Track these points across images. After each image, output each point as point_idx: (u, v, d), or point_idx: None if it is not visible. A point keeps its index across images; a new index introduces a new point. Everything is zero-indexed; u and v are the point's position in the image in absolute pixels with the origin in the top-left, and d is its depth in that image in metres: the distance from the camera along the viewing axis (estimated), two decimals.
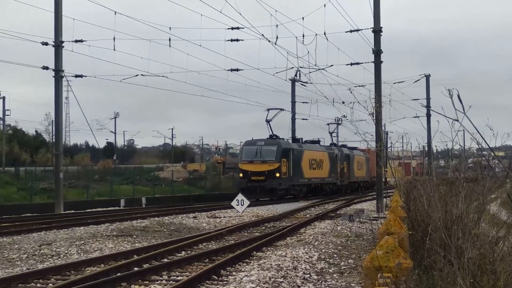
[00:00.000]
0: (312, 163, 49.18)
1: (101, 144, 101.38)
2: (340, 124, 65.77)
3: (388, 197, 31.52)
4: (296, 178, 46.02)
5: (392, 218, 5.51)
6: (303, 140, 53.45)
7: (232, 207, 31.86)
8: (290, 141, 51.38)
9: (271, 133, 47.03)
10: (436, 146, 55.78)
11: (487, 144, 8.20)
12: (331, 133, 62.89)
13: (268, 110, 47.54)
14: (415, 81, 57.49)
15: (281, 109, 48.94)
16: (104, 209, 37.47)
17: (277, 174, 43.31)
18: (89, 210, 36.65)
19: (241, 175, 44.50)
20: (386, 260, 3.32)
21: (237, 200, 31.07)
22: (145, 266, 14.75)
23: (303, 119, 57.65)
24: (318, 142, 57.14)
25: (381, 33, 32.85)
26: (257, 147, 44.44)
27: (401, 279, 3.25)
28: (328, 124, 62.26)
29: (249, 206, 31.78)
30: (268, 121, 47.11)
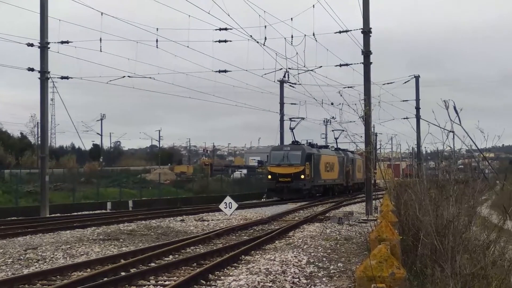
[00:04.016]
0: (326, 166, 54.28)
1: (87, 146, 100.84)
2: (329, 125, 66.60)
3: (378, 199, 31.45)
4: (316, 180, 51.12)
5: (384, 224, 5.40)
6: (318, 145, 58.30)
7: (220, 210, 31.68)
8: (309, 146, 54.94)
9: (293, 139, 51.88)
10: (425, 147, 55.67)
11: (477, 148, 8.11)
12: (336, 139, 64.76)
13: (290, 119, 53.42)
14: (405, 82, 57.56)
15: (302, 118, 53.78)
16: (91, 212, 37.24)
17: (302, 176, 48.30)
18: (75, 213, 36.40)
19: (269, 177, 49.45)
20: (379, 270, 3.23)
21: (225, 202, 30.92)
22: (132, 270, 14.60)
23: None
24: (327, 146, 62.77)
25: (370, 34, 32.78)
26: (284, 152, 49.76)
27: None
28: (333, 130, 65.01)
29: (237, 208, 31.65)
30: (291, 129, 52.30)
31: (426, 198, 9.36)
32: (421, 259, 7.92)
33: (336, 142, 65.49)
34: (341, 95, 40.81)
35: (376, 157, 33.68)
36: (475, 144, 6.82)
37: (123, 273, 14.09)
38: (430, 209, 8.54)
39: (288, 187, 48.00)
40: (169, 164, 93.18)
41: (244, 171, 79.56)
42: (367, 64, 32.89)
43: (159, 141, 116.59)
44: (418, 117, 62.24)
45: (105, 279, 13.26)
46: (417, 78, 62.07)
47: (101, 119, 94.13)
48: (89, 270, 14.88)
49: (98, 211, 37.77)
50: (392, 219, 7.02)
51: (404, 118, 61.28)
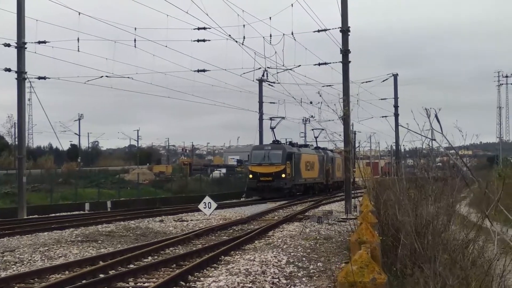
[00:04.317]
0: (307, 165, 54.65)
1: (65, 146, 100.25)
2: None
3: (357, 197, 31.54)
4: (297, 179, 51.46)
5: (364, 226, 5.39)
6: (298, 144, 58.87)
7: (199, 210, 31.58)
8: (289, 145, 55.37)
9: (274, 139, 52.54)
10: (404, 145, 56.14)
11: (455, 151, 8.14)
12: (316, 138, 65.13)
13: (271, 118, 53.70)
14: (383, 81, 57.94)
15: (282, 117, 54.30)
16: (69, 213, 36.94)
17: (283, 175, 48.75)
18: (53, 214, 36.06)
19: (250, 176, 49.88)
20: (360, 276, 3.21)
21: (204, 202, 30.81)
22: (111, 272, 14.49)
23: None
24: (307, 145, 63.21)
25: (349, 33, 32.88)
26: (265, 151, 50.20)
27: None
28: (312, 129, 65.58)
29: (216, 208, 31.58)
30: (272, 128, 52.80)
31: (405, 198, 9.38)
32: (401, 259, 7.93)
33: (316, 141, 66.03)
34: (320, 96, 40.95)
35: (355, 156, 33.85)
36: (451, 145, 6.83)
37: (101, 275, 13.99)
38: (409, 209, 8.55)
39: (269, 186, 48.45)
40: (147, 164, 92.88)
41: (223, 170, 79.55)
42: (345, 63, 32.97)
43: (137, 141, 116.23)
44: (396, 115, 62.68)
45: (84, 281, 13.14)
46: (395, 76, 62.48)
47: (79, 119, 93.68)
48: (67, 272, 14.75)
49: (76, 212, 37.52)
50: (372, 220, 7.03)
51: (383, 117, 61.72)
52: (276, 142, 52.38)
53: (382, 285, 3.16)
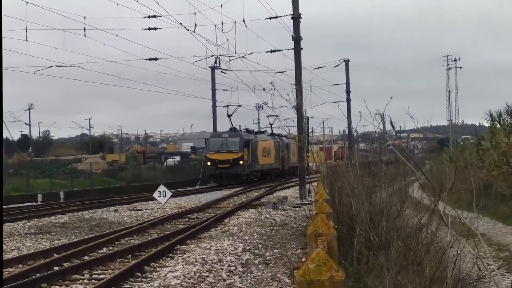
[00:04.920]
0: (264, 152, 55.89)
1: (15, 136, 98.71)
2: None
3: (311, 183, 31.75)
4: (254, 165, 52.51)
5: (320, 219, 5.43)
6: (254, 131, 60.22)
7: (154, 199, 31.41)
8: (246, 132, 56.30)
9: (231, 126, 53.82)
10: (356, 130, 56.74)
11: (407, 134, 8.23)
12: (271, 124, 66.07)
13: (227, 106, 55.10)
14: (335, 66, 58.34)
15: (239, 105, 55.87)
16: (21, 205, 36.29)
17: (241, 162, 49.67)
18: (5, 206, 35.45)
19: (209, 163, 50.62)
20: (318, 274, 3.23)
21: (159, 191, 30.65)
22: (66, 265, 14.37)
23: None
24: (263, 132, 64.12)
25: (300, 20, 32.94)
26: (222, 139, 50.96)
27: None
28: (267, 116, 66.96)
29: (171, 197, 31.44)
30: (229, 116, 53.99)
31: (359, 185, 9.48)
32: (357, 247, 8.02)
33: (271, 128, 66.61)
34: (273, 86, 41.26)
35: (308, 142, 34.09)
36: (396, 132, 6.91)
37: (56, 268, 13.84)
38: (363, 196, 8.64)
39: (227, 173, 49.40)
40: (100, 153, 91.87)
41: (177, 158, 79.12)
42: (297, 50, 33.05)
43: (89, 130, 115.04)
44: (348, 101, 63.20)
45: (38, 274, 13.01)
46: (346, 62, 62.87)
47: (29, 109, 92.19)
48: (21, 266, 14.57)
49: (29, 204, 36.91)
50: (327, 210, 7.09)
51: (335, 102, 62.15)
52: (233, 130, 53.36)
53: (340, 282, 3.19)
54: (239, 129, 54.84)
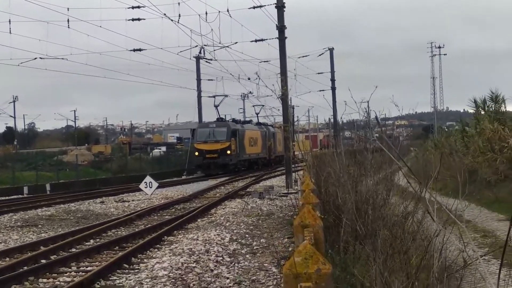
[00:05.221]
0: (250, 141, 56.31)
1: (0, 129, 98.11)
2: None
3: (297, 171, 31.81)
4: (241, 155, 52.95)
5: (306, 210, 5.45)
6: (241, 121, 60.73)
7: (140, 190, 31.36)
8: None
9: (218, 116, 54.14)
10: (341, 118, 57.03)
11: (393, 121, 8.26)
12: (257, 114, 66.61)
13: (214, 96, 54.99)
14: (319, 55, 58.27)
15: (226, 95, 56.23)
16: (7, 197, 36.13)
17: (228, 152, 49.98)
18: None
19: (196, 153, 50.90)
20: (305, 267, 3.25)
21: (145, 182, 30.57)
22: (53, 257, 14.33)
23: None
24: (250, 122, 63.69)
25: (284, 9, 32.90)
26: (210, 129, 51.05)
27: (321, 285, 3.17)
28: (253, 106, 66.84)
29: (158, 187, 31.39)
30: (216, 106, 54.26)
31: (345, 175, 9.50)
32: (343, 237, 8.05)
33: (258, 117, 66.84)
34: (258, 76, 41.27)
35: (294, 131, 34.17)
36: (381, 126, 6.93)
37: (43, 261, 13.81)
38: (349, 186, 8.67)
39: (215, 163, 49.68)
40: (86, 144, 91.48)
41: (163, 148, 78.94)
42: (282, 39, 33.03)
43: (74, 121, 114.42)
44: (333, 89, 63.29)
45: (25, 268, 12.96)
46: (331, 50, 62.84)
47: (14, 101, 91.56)
48: (8, 259, 14.52)
49: (15, 196, 36.73)
50: (313, 201, 7.11)
51: (320, 91, 62.22)
52: (220, 120, 53.60)
53: (327, 275, 3.21)
54: (226, 119, 54.84)
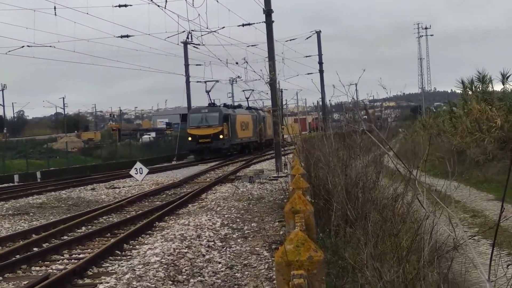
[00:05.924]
0: (242, 126, 57.08)
1: None
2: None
3: (286, 155, 31.86)
4: (233, 139, 53.66)
5: (297, 196, 5.48)
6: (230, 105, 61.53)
7: (131, 176, 31.34)
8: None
9: (210, 101, 55.21)
10: (330, 100, 57.30)
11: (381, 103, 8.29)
12: (247, 98, 67.19)
13: (205, 82, 56.09)
14: (307, 38, 58.10)
15: (217, 81, 57.32)
16: None
17: (221, 136, 50.72)
18: None
19: (190, 139, 51.34)
20: (297, 255, 3.28)
21: (135, 168, 30.53)
22: (45, 245, 14.34)
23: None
24: (240, 106, 64.87)
25: None
26: (202, 114, 51.81)
27: (313, 272, 3.21)
28: (243, 90, 67.45)
29: (148, 173, 31.37)
30: (207, 92, 55.46)
31: (335, 158, 9.54)
32: (334, 222, 8.11)
33: (248, 102, 67.17)
34: (245, 62, 41.22)
35: (283, 114, 34.21)
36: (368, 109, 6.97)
37: (35, 249, 13.82)
38: (338, 169, 8.71)
39: (208, 147, 50.43)
40: (75, 132, 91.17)
41: (153, 134, 78.86)
42: (269, 23, 32.90)
43: (63, 109, 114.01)
44: (321, 72, 63.23)
45: (18, 256, 12.97)
46: (318, 33, 62.60)
47: (2, 90, 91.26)
48: (0, 248, 14.52)
49: (6, 185, 36.65)
50: (304, 185, 7.14)
51: (308, 74, 62.18)
52: (212, 105, 54.49)
53: (318, 262, 3.25)
54: (217, 104, 55.45)
